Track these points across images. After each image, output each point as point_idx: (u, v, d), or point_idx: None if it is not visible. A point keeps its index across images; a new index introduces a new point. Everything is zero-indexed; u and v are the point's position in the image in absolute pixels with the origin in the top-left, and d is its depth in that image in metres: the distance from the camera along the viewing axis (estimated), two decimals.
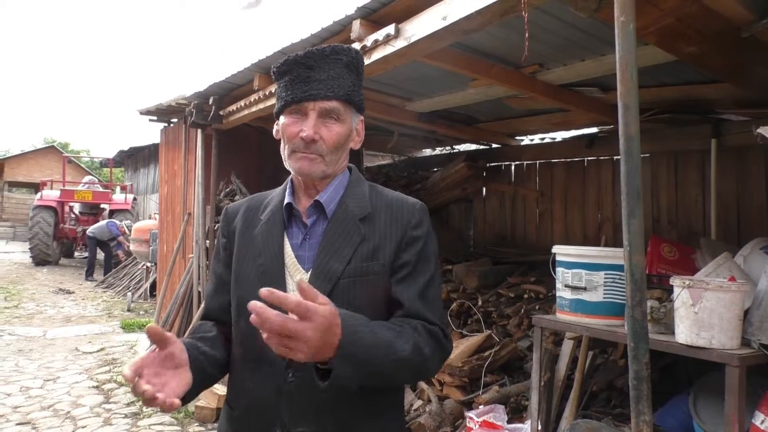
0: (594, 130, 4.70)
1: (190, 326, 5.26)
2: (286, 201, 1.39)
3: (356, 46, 2.91)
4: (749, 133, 3.38)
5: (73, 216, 16.90)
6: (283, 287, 1.32)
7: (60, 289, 11.81)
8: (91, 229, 13.82)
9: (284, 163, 1.38)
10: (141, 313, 9.41)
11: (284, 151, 1.36)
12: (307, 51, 1.33)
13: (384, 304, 1.34)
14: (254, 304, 0.99)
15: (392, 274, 1.34)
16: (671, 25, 2.30)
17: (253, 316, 1.00)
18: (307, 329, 1.03)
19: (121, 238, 13.29)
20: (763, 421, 2.16)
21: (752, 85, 2.91)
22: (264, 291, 1.01)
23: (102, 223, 14.02)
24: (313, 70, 1.31)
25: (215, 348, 1.37)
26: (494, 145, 5.66)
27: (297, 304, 1.02)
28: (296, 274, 1.33)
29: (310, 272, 1.32)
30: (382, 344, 1.18)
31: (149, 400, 1.09)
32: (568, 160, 4.91)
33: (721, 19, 2.20)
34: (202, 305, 5.05)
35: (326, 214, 1.36)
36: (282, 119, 1.35)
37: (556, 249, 2.88)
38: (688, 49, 2.52)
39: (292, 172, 1.39)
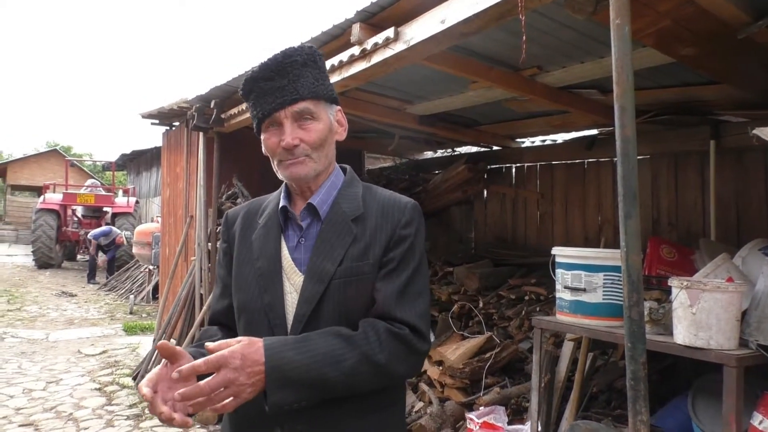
0: (594, 132, 4.71)
1: (192, 328, 5.28)
2: (281, 204, 1.42)
3: (356, 49, 2.93)
4: (747, 134, 3.40)
5: (75, 219, 16.95)
6: (280, 290, 1.34)
7: (63, 292, 11.85)
8: (92, 233, 13.87)
9: (278, 175, 1.41)
10: (143, 315, 9.44)
11: (272, 164, 1.39)
12: (260, 64, 1.34)
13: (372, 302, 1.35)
14: (180, 394, 1.09)
15: (378, 271, 1.35)
16: (667, 27, 2.32)
17: (180, 408, 1.11)
18: (227, 374, 1.11)
19: (120, 238, 13.40)
20: (761, 422, 2.16)
21: (749, 87, 2.92)
22: (174, 374, 1.11)
23: (105, 228, 14.05)
24: (272, 80, 1.32)
25: None
26: (495, 148, 5.67)
27: (206, 362, 1.11)
28: (293, 276, 1.35)
29: (304, 274, 1.34)
30: (321, 360, 1.20)
31: (166, 420, 1.12)
32: (569, 162, 4.92)
33: (717, 21, 2.21)
34: (204, 308, 5.07)
35: (320, 216, 1.38)
36: (262, 136, 1.38)
37: (556, 251, 2.89)
38: (684, 51, 2.53)
39: (285, 180, 1.42)
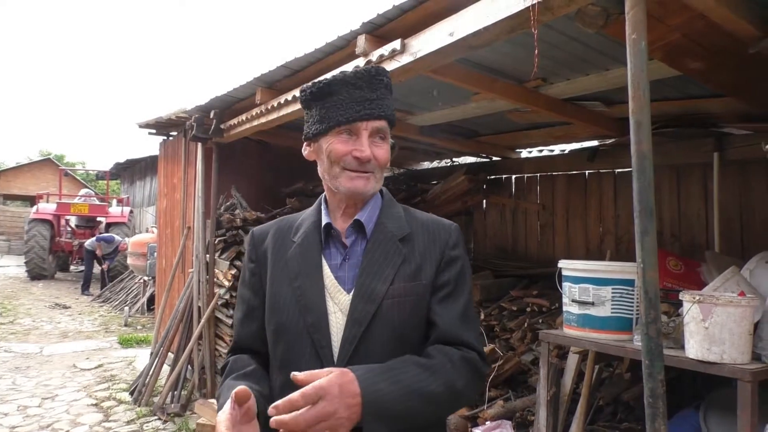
0: (594, 143, 4.71)
1: (191, 341, 5.21)
2: (324, 221, 1.38)
3: (361, 60, 2.91)
4: (752, 146, 3.41)
5: (69, 229, 16.82)
6: (323, 310, 1.30)
7: (56, 304, 11.73)
8: (88, 243, 13.76)
9: (328, 183, 1.37)
10: (138, 327, 9.35)
11: (329, 171, 1.34)
12: (355, 72, 1.34)
13: (426, 324, 1.33)
14: (277, 421, 1.06)
15: (432, 293, 1.33)
16: (677, 41, 2.32)
17: None
18: (326, 406, 1.08)
19: (124, 244, 13.33)
20: None
21: (757, 100, 2.92)
22: (270, 410, 1.07)
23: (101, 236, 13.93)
24: (362, 89, 1.32)
25: (261, 383, 1.33)
26: (494, 158, 5.66)
27: (303, 395, 1.08)
28: (337, 295, 1.31)
29: (352, 293, 1.30)
30: (411, 392, 1.18)
31: None
32: (570, 173, 4.91)
33: (728, 36, 2.21)
34: (203, 321, 5.01)
35: (365, 233, 1.36)
36: (326, 140, 1.33)
37: (563, 263, 2.87)
38: (693, 65, 2.53)
39: (338, 192, 1.35)
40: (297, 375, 1.11)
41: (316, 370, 1.13)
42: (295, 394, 1.07)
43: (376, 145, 1.32)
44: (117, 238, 13.69)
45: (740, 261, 2.96)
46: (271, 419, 1.07)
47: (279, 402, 1.07)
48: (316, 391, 1.08)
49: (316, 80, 1.38)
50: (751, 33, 2.14)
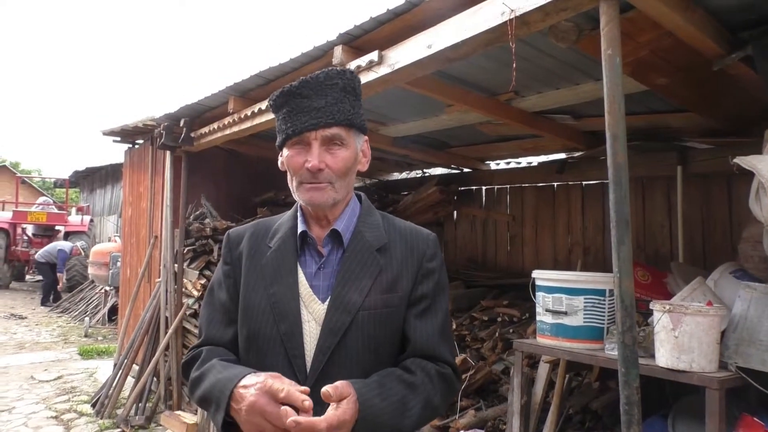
0: (562, 155, 4.81)
1: (157, 353, 5.09)
2: (300, 229, 1.36)
3: None
4: (713, 160, 3.54)
5: (26, 238, 16.30)
6: (297, 318, 1.29)
7: (12, 315, 11.32)
8: (39, 255, 13.27)
9: (293, 194, 1.35)
10: (99, 338, 9.09)
11: (292, 183, 1.34)
12: (300, 80, 1.30)
13: (401, 337, 1.33)
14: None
15: (409, 306, 1.33)
16: (645, 57, 2.40)
17: None
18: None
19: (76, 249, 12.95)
20: None
21: (717, 116, 3.04)
22: (290, 421, 1.05)
23: (49, 247, 13.44)
24: (309, 98, 1.28)
25: None
26: (465, 170, 5.73)
27: (329, 427, 1.07)
28: (312, 304, 1.30)
29: (327, 303, 1.29)
30: (395, 408, 1.19)
31: None
32: (539, 185, 5.00)
33: (693, 53, 2.29)
34: (170, 331, 4.90)
35: (342, 243, 1.34)
36: (285, 152, 1.33)
37: (537, 274, 2.91)
38: (660, 80, 2.62)
39: (301, 203, 1.36)
40: (326, 391, 1.11)
41: (342, 390, 1.12)
42: (321, 423, 1.06)
43: (331, 154, 1.29)
44: (65, 247, 13.22)
45: (703, 271, 3.06)
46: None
47: (302, 421, 1.06)
48: (339, 424, 1.09)
49: (275, 92, 1.35)
50: (716, 50, 2.23)
